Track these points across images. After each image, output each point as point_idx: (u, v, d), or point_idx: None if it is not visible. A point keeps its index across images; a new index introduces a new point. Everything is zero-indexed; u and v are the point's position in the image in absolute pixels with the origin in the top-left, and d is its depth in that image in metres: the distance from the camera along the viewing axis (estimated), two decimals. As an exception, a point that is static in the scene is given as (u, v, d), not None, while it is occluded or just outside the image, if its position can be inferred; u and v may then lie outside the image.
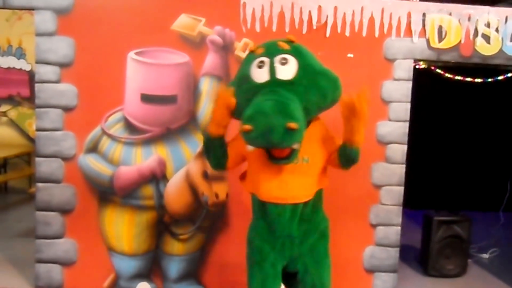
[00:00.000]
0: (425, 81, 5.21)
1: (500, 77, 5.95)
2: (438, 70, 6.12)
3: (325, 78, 2.59)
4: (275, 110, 2.31)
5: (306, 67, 2.55)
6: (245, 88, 2.57)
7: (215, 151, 2.74)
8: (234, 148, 2.74)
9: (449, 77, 6.19)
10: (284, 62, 2.51)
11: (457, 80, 5.95)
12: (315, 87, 2.53)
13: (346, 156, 2.61)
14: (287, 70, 2.51)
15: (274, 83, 2.49)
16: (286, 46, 2.57)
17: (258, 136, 2.33)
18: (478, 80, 6.17)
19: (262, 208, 2.72)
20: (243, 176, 2.88)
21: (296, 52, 2.58)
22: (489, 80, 6.00)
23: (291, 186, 2.60)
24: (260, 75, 2.53)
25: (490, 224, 5.97)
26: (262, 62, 2.54)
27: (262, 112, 2.32)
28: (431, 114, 6.55)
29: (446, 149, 6.75)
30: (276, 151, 2.49)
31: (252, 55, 2.63)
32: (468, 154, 6.80)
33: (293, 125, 2.29)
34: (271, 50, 2.57)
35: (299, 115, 2.36)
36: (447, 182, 6.66)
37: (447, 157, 6.75)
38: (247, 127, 2.30)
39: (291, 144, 2.40)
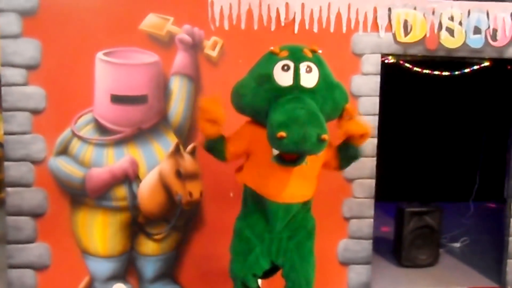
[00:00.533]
0: (393, 75, 5.28)
1: (466, 70, 6.11)
2: (407, 64, 6.23)
3: (340, 91, 2.75)
4: (309, 120, 2.40)
5: (326, 78, 2.67)
6: (266, 88, 2.61)
7: (214, 149, 2.86)
8: (237, 142, 2.81)
9: (417, 71, 6.32)
10: (308, 70, 2.60)
11: (425, 73, 6.08)
12: (331, 99, 2.67)
13: (348, 155, 2.81)
14: (311, 78, 2.60)
15: (298, 89, 2.56)
16: (310, 54, 2.66)
17: (290, 143, 2.37)
18: (445, 73, 6.31)
19: (259, 202, 2.80)
20: (240, 169, 2.94)
21: (318, 62, 2.68)
22: (456, 72, 6.15)
23: (290, 186, 2.70)
24: (284, 78, 2.58)
25: (461, 214, 6.10)
26: (287, 65, 2.59)
27: (297, 120, 2.38)
28: (400, 107, 6.65)
29: (416, 142, 6.86)
30: (288, 155, 2.55)
31: (274, 56, 2.67)
32: (438, 146, 6.94)
33: (325, 136, 2.39)
34: (297, 56, 2.64)
35: (326, 126, 2.46)
36: (418, 174, 6.78)
37: (417, 149, 6.86)
38: (282, 134, 2.35)
39: (318, 152, 2.49)
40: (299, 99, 2.50)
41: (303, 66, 2.60)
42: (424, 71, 6.32)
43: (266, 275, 3.03)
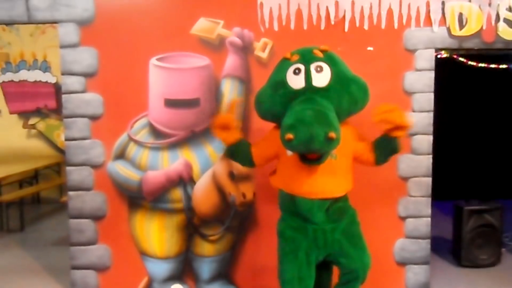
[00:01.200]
0: (448, 70, 5.14)
1: (525, 62, 5.86)
2: (461, 58, 6.04)
3: (356, 85, 2.79)
4: (316, 120, 2.46)
5: (339, 75, 2.73)
6: (281, 93, 2.73)
7: (236, 155, 3.01)
8: (265, 146, 2.94)
9: (472, 65, 6.12)
10: (319, 69, 2.68)
11: (480, 67, 5.88)
12: (347, 94, 2.72)
13: (387, 149, 2.82)
14: (322, 77, 2.68)
15: (310, 89, 2.65)
16: (320, 54, 2.74)
17: (299, 144, 2.47)
18: (503, 66, 6.07)
19: (292, 202, 2.85)
20: (273, 173, 3.01)
21: (330, 60, 2.76)
22: (514, 65, 5.91)
23: (319, 182, 2.74)
24: (296, 82, 2.69)
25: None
26: (298, 69, 2.70)
27: (303, 121, 2.46)
28: (455, 103, 6.45)
29: (473, 138, 6.64)
30: (310, 154, 2.62)
31: (287, 62, 2.79)
32: (495, 141, 6.68)
33: (333, 134, 2.44)
34: (307, 58, 2.73)
35: (337, 124, 2.52)
36: (476, 171, 6.55)
37: (474, 145, 6.64)
38: (289, 136, 2.44)
39: (329, 150, 2.58)
40: (309, 100, 2.59)
41: (313, 66, 2.68)
42: (480, 64, 6.11)
43: (321, 275, 3.04)
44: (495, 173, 6.58)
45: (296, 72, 2.70)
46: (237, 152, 2.99)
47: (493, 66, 6.11)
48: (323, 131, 2.43)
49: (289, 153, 2.69)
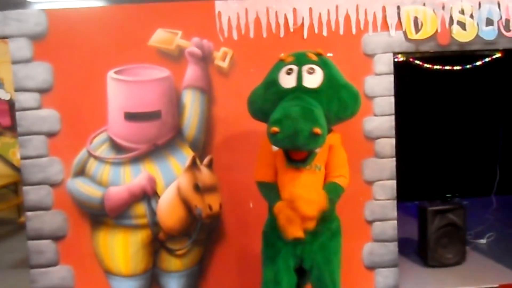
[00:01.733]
0: (405, 73, 5.23)
1: (478, 63, 6.04)
2: (417, 61, 6.18)
3: (347, 91, 2.85)
4: (302, 115, 2.52)
5: (330, 79, 2.79)
6: (272, 91, 2.81)
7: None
8: (267, 165, 2.92)
9: (428, 67, 6.26)
10: (311, 71, 2.76)
11: (436, 69, 6.01)
12: (337, 98, 2.78)
13: None
14: (313, 79, 2.75)
15: (300, 89, 2.71)
16: (314, 57, 2.82)
17: (284, 138, 2.52)
18: (457, 67, 6.24)
19: None
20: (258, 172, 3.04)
21: (323, 63, 2.83)
22: (468, 66, 6.08)
23: (304, 188, 2.73)
24: (287, 81, 2.76)
25: (483, 209, 6.00)
26: (290, 69, 2.78)
27: (289, 116, 2.52)
28: (414, 106, 6.58)
29: (433, 138, 6.77)
30: (295, 154, 2.70)
31: (281, 63, 2.87)
32: (455, 141, 6.83)
33: (318, 130, 2.50)
34: (300, 60, 2.81)
35: (323, 122, 2.57)
36: (437, 171, 6.68)
37: (435, 146, 6.77)
38: (275, 129, 2.51)
39: (314, 147, 2.61)
40: (298, 98, 2.64)
41: (305, 68, 2.75)
42: (435, 66, 6.26)
43: (302, 277, 3.03)
44: (456, 172, 6.73)
45: (289, 72, 2.77)
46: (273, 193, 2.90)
47: (447, 68, 6.26)
48: (308, 126, 2.49)
49: (275, 148, 2.72)
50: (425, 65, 6.27)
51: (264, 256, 2.99)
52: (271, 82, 2.84)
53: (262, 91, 2.90)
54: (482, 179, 6.52)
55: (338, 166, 2.86)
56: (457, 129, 6.81)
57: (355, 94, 2.88)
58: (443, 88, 6.64)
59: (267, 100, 2.82)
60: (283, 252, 2.88)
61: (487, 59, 5.92)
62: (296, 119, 2.50)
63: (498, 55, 5.51)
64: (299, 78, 2.73)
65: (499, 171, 6.31)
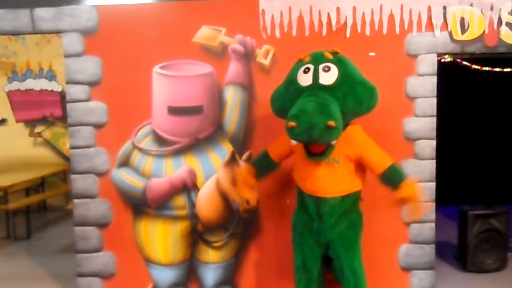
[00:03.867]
0: (452, 74, 5.12)
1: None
2: (465, 62, 6.03)
3: (363, 87, 2.94)
4: (317, 110, 2.67)
5: (346, 76, 2.91)
6: (291, 90, 2.97)
7: (264, 168, 3.39)
8: (280, 145, 3.26)
9: (476, 69, 6.10)
10: (327, 69, 2.88)
11: (484, 71, 5.85)
12: (352, 94, 2.88)
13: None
14: (329, 76, 2.87)
15: (316, 87, 2.85)
16: (330, 56, 2.94)
17: (301, 132, 2.68)
18: (507, 69, 6.05)
19: (301, 197, 3.16)
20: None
21: (339, 61, 2.95)
22: (515, 69, 5.89)
23: (321, 182, 2.97)
24: (304, 79, 2.91)
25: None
26: (307, 68, 2.92)
27: (305, 111, 2.68)
28: (459, 107, 6.43)
29: (476, 142, 6.60)
30: (314, 147, 2.87)
31: (300, 63, 3.02)
32: (499, 145, 6.63)
33: (332, 123, 2.63)
34: (317, 59, 2.95)
35: (337, 115, 2.71)
36: (480, 175, 6.51)
37: (478, 150, 6.60)
38: (292, 123, 2.67)
39: (329, 140, 2.76)
40: (314, 95, 2.79)
41: (321, 66, 2.88)
42: (484, 68, 6.09)
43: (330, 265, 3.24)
44: (499, 177, 6.54)
45: (306, 71, 2.91)
46: (261, 165, 3.35)
47: (497, 69, 6.08)
48: (323, 120, 2.63)
49: (293, 142, 2.88)
50: (473, 66, 6.12)
51: (293, 243, 3.24)
52: (290, 81, 3.00)
53: (282, 89, 3.07)
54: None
55: (375, 156, 3.01)
56: (501, 133, 6.60)
57: (370, 89, 2.97)
58: (490, 90, 6.46)
59: (287, 98, 2.97)
60: (310, 240, 3.12)
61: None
62: (312, 114, 2.65)
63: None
64: (315, 76, 2.87)
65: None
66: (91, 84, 3.79)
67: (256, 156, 3.46)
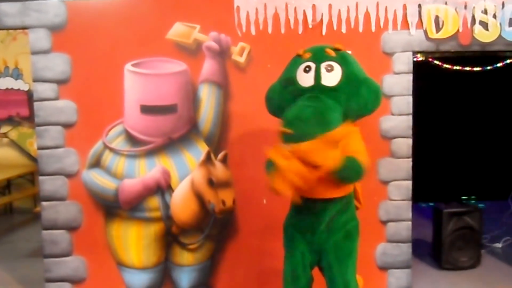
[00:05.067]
0: (425, 73, 5.15)
1: (499, 64, 5.93)
2: (436, 61, 6.09)
3: (368, 87, 2.72)
4: (314, 118, 2.44)
5: (350, 75, 2.68)
6: (290, 90, 2.73)
7: None
8: None
9: (448, 68, 6.16)
10: (329, 69, 2.66)
11: (456, 69, 5.92)
12: (357, 96, 2.67)
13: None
14: (332, 77, 2.65)
15: (318, 88, 2.63)
16: (332, 54, 2.71)
17: (292, 139, 2.43)
18: (477, 68, 6.14)
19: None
20: None
21: (342, 60, 2.72)
22: (488, 67, 5.97)
23: (321, 182, 2.63)
24: (305, 80, 2.68)
25: (500, 213, 5.90)
26: (308, 67, 2.68)
27: (301, 118, 2.45)
28: (432, 106, 6.50)
29: (451, 140, 6.69)
30: None
31: (298, 59, 2.78)
32: (473, 143, 6.74)
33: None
34: (318, 56, 2.71)
35: (335, 125, 2.47)
36: (453, 173, 6.60)
37: (452, 148, 6.69)
38: (286, 130, 2.44)
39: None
40: (313, 98, 2.56)
41: (324, 65, 2.66)
42: (455, 67, 6.16)
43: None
44: (472, 175, 6.64)
45: (307, 70, 2.68)
46: None
47: (467, 68, 6.17)
48: (318, 131, 2.40)
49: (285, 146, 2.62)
50: (445, 65, 6.18)
51: (284, 246, 2.98)
52: (289, 80, 2.77)
53: (279, 88, 2.83)
54: (498, 182, 6.42)
55: (353, 144, 2.70)
56: (475, 131, 6.72)
57: (375, 90, 2.77)
58: (462, 89, 6.55)
59: (285, 99, 2.75)
60: (301, 247, 2.85)
61: (508, 61, 5.81)
62: (307, 122, 2.43)
63: (517, 57, 5.41)
64: (317, 76, 2.65)
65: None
66: (60, 82, 3.67)
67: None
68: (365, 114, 2.77)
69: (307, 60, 2.72)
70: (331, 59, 2.69)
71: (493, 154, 6.77)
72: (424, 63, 5.73)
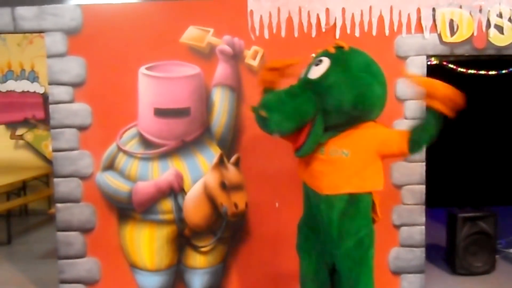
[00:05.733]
0: (439, 77, 5.12)
1: (514, 68, 5.87)
2: (450, 65, 6.04)
3: (349, 85, 2.58)
4: (267, 100, 2.62)
5: (336, 71, 2.63)
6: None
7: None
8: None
9: (462, 71, 6.11)
10: (318, 63, 2.68)
11: (472, 73, 5.87)
12: (330, 91, 2.59)
13: (422, 129, 2.64)
14: (317, 70, 2.66)
15: (304, 81, 2.69)
16: (331, 50, 2.73)
17: (258, 122, 2.67)
18: (492, 72, 6.08)
19: (308, 197, 2.84)
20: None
21: (335, 56, 2.69)
22: (504, 71, 5.91)
23: (330, 177, 2.66)
24: (303, 73, 2.75)
25: (515, 218, 5.84)
26: (309, 64, 2.75)
27: (266, 103, 2.62)
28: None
29: (465, 145, 6.63)
30: (291, 142, 2.73)
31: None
32: (487, 148, 6.67)
33: (262, 112, 2.55)
34: (320, 53, 2.77)
35: (273, 105, 2.57)
36: (468, 178, 6.53)
37: (466, 152, 6.63)
38: (261, 112, 2.59)
39: (268, 131, 2.63)
40: (290, 87, 2.65)
41: (316, 60, 2.71)
42: (469, 71, 6.11)
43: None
44: (487, 180, 6.57)
45: (307, 68, 2.76)
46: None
47: (482, 72, 6.11)
48: (257, 109, 2.60)
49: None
50: (460, 69, 6.13)
51: (299, 247, 2.94)
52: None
53: None
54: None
55: (392, 136, 2.70)
56: (490, 135, 6.64)
57: (360, 91, 2.58)
58: (478, 93, 6.47)
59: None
60: (317, 246, 2.82)
61: (524, 65, 5.75)
62: (270, 108, 2.56)
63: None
64: (308, 69, 2.71)
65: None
66: (75, 85, 3.70)
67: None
68: (367, 116, 2.66)
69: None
70: (325, 54, 2.71)
71: (507, 159, 6.68)
72: (438, 66, 5.70)
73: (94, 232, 3.79)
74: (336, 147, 2.64)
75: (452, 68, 6.07)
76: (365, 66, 2.69)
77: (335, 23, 3.68)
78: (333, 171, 2.65)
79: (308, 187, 2.80)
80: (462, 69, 6.12)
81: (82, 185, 3.76)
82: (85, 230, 3.79)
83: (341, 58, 2.68)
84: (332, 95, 2.58)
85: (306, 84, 2.66)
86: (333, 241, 2.73)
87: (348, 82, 2.60)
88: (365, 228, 2.77)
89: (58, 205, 3.78)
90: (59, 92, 3.70)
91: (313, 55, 2.85)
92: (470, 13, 3.70)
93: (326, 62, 2.65)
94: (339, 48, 2.74)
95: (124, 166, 3.74)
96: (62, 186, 3.76)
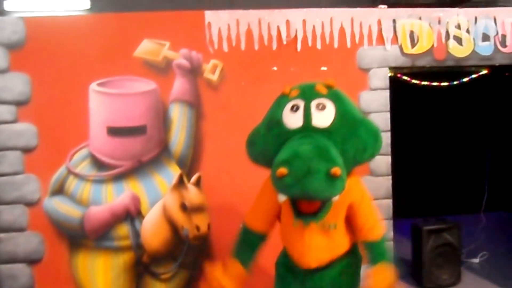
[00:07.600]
0: (399, 89, 5.16)
1: (465, 79, 6.00)
2: (405, 77, 6.10)
3: (366, 128, 2.40)
4: (315, 154, 2.13)
5: (345, 115, 2.36)
6: (275, 133, 2.38)
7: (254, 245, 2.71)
8: (263, 205, 2.60)
9: (416, 83, 6.19)
10: (321, 107, 2.33)
11: (425, 85, 5.96)
12: (354, 138, 2.33)
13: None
14: (324, 116, 2.32)
15: (308, 129, 2.30)
16: (324, 90, 2.39)
17: (294, 183, 2.10)
18: (444, 83, 6.19)
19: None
20: (251, 214, 2.74)
21: (335, 97, 2.39)
22: (455, 83, 6.03)
23: (315, 252, 2.46)
24: (293, 120, 2.34)
25: (473, 227, 5.91)
26: (296, 105, 2.35)
27: (300, 155, 2.12)
28: (404, 122, 6.52)
29: (423, 155, 6.73)
30: (305, 205, 2.31)
31: (284, 98, 2.44)
32: (444, 158, 6.80)
33: (337, 170, 2.08)
34: (307, 93, 2.38)
35: (341, 162, 2.17)
36: (427, 188, 6.63)
37: (424, 163, 6.73)
38: (282, 170, 2.09)
39: (331, 195, 2.18)
40: (308, 137, 2.26)
41: (314, 103, 2.33)
42: (423, 82, 6.20)
43: None
44: (444, 189, 6.68)
45: (294, 109, 2.35)
46: (244, 248, 2.69)
47: (434, 84, 6.21)
48: (324, 166, 2.08)
49: (281, 198, 2.29)
50: (413, 80, 6.21)
51: (275, 286, 2.75)
52: (274, 122, 2.41)
53: (263, 131, 2.46)
54: (471, 195, 6.46)
55: (369, 219, 2.52)
56: (447, 145, 6.77)
57: (374, 132, 2.43)
58: (434, 104, 6.60)
59: (269, 143, 2.39)
60: (292, 287, 2.63)
61: (473, 76, 5.89)
62: (310, 159, 2.10)
63: (485, 71, 5.48)
64: (307, 115, 2.31)
65: (487, 189, 6.26)
66: (18, 103, 3.49)
67: (235, 241, 2.73)
68: (362, 160, 2.43)
69: (294, 98, 2.38)
70: (322, 96, 2.37)
71: (464, 168, 6.83)
72: (394, 79, 5.74)
73: (42, 263, 3.56)
74: (327, 218, 2.38)
75: (407, 80, 6.13)
76: (356, 108, 2.53)
77: (296, 36, 3.63)
78: (322, 245, 2.45)
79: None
80: (415, 81, 6.19)
81: (28, 212, 3.53)
82: (32, 262, 3.55)
83: (339, 99, 2.42)
84: (355, 144, 2.32)
85: (317, 133, 2.28)
86: (316, 276, 2.55)
87: (362, 127, 2.39)
88: (350, 257, 2.64)
89: (1, 234, 3.54)
90: (0, 112, 3.47)
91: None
92: (430, 25, 3.75)
93: (330, 106, 2.35)
94: (329, 87, 2.43)
95: (75, 190, 3.56)
96: (6, 214, 3.52)
